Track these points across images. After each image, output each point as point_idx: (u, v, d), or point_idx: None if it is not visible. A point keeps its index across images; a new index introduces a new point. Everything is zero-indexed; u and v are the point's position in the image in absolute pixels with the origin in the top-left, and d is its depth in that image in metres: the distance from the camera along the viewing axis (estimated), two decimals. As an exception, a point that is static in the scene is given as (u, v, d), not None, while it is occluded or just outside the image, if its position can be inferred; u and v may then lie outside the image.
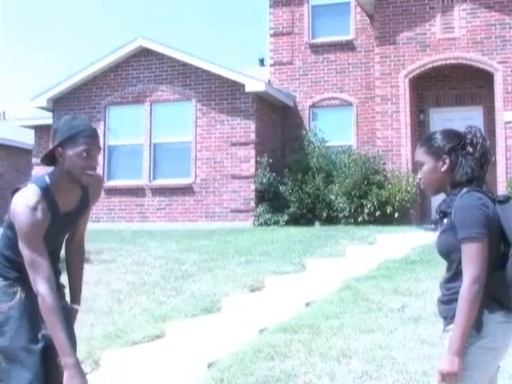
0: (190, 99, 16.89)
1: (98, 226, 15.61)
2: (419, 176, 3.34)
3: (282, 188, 15.88)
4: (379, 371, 5.46)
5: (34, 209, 3.30)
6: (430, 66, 15.88)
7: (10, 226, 3.43)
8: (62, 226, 3.56)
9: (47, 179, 3.43)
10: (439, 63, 15.82)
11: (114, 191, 17.07)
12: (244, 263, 10.38)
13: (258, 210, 15.92)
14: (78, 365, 3.21)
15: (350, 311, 7.18)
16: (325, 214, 15.47)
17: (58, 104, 17.98)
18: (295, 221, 15.52)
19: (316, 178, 15.69)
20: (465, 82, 16.42)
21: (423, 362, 5.44)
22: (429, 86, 16.65)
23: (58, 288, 3.54)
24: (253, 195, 16.17)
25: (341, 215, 15.19)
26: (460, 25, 15.64)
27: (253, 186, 16.16)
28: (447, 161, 3.21)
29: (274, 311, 7.75)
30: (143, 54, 17.43)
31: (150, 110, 17.21)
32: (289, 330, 6.65)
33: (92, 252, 10.57)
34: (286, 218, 15.55)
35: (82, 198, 3.60)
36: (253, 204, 16.12)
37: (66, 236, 3.76)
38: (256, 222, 15.80)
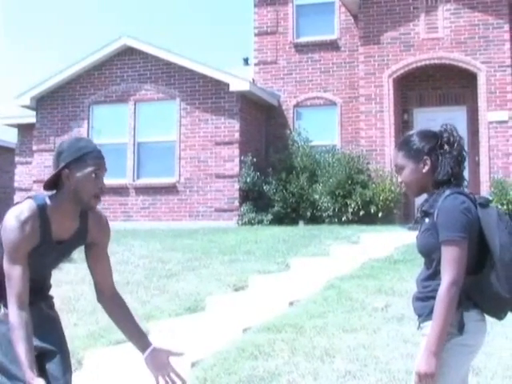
0: (174, 98, 16.86)
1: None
2: (400, 179, 3.36)
3: (266, 187, 15.88)
4: (362, 370, 5.47)
5: (25, 223, 3.19)
6: (413, 65, 15.93)
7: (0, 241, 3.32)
8: (52, 254, 3.44)
9: (47, 199, 3.32)
10: (423, 63, 15.87)
11: (98, 190, 16.96)
12: (228, 262, 10.37)
13: (242, 210, 15.91)
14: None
15: (334, 310, 7.19)
16: (309, 214, 15.47)
17: (42, 102, 17.90)
18: (279, 220, 15.52)
19: (300, 178, 15.70)
20: (448, 82, 16.48)
21: (406, 361, 5.46)
22: (413, 85, 16.70)
23: (45, 302, 3.48)
24: (237, 194, 16.16)
25: (325, 215, 15.20)
26: (444, 25, 15.70)
27: (237, 186, 16.15)
28: (428, 161, 3.22)
29: (258, 310, 7.74)
30: (127, 52, 17.36)
31: (134, 108, 17.16)
32: (272, 329, 6.65)
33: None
34: (270, 217, 15.55)
35: (80, 230, 3.47)
36: (237, 203, 16.11)
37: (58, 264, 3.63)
38: (240, 222, 15.78)
